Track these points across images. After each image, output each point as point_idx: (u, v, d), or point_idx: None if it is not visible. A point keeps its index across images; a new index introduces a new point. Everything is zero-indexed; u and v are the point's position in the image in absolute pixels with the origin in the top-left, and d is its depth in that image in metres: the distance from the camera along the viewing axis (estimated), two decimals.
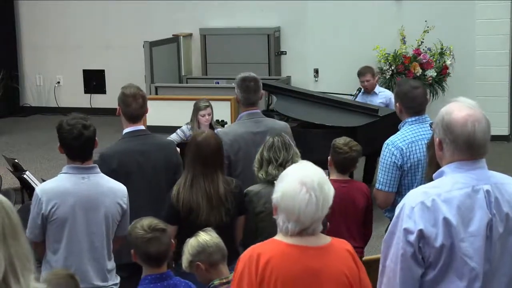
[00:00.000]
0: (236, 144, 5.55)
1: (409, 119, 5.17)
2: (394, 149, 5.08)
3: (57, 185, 4.58)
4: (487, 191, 3.09)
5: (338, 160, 5.33)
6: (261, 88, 5.78)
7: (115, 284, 4.67)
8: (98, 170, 4.65)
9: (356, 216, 5.32)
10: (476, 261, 3.04)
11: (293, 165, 3.26)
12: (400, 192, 5.10)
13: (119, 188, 4.68)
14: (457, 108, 3.12)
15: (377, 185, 5.17)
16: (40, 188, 4.64)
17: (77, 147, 4.52)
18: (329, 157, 5.37)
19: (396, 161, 5.06)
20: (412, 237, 3.03)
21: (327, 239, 3.22)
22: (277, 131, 5.34)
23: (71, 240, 4.54)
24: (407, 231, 3.04)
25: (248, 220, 4.95)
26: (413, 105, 5.15)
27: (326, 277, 3.14)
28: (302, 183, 3.09)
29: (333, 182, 5.20)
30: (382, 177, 5.12)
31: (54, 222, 4.52)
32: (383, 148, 5.15)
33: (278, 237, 3.17)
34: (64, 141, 4.54)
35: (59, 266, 4.49)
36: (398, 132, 5.19)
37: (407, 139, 5.10)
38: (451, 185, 3.08)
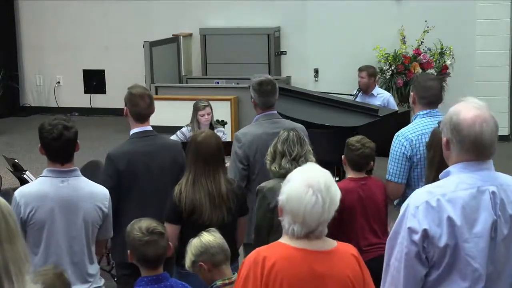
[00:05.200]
0: (254, 145, 5.50)
1: (421, 112, 5.23)
2: (404, 140, 5.12)
3: (35, 188, 4.54)
4: (493, 193, 3.09)
5: (352, 158, 5.31)
6: (278, 90, 5.75)
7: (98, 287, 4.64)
8: (79, 173, 4.59)
9: (378, 213, 5.34)
10: (480, 262, 3.05)
11: (300, 167, 3.23)
12: (410, 185, 5.16)
13: (100, 192, 4.62)
14: (465, 108, 3.12)
15: (387, 176, 5.21)
16: (19, 191, 4.58)
17: (57, 148, 4.47)
18: (343, 156, 5.38)
19: (405, 152, 5.11)
20: (416, 237, 3.04)
21: (333, 244, 3.21)
22: None
23: (49, 244, 4.48)
24: (411, 230, 3.05)
25: (260, 217, 4.88)
26: (427, 95, 5.20)
27: (331, 281, 3.13)
28: (308, 185, 3.06)
29: (351, 181, 5.31)
30: (392, 168, 5.17)
31: (33, 226, 4.47)
32: (393, 140, 5.20)
33: (284, 240, 3.15)
34: (44, 141, 4.50)
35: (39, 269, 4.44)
36: (409, 124, 5.27)
37: (417, 131, 5.16)
38: (456, 185, 3.09)
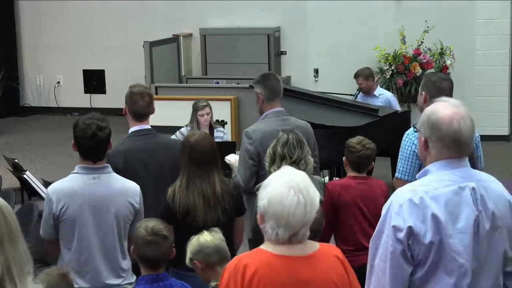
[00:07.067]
0: (265, 142, 5.48)
1: None
2: (414, 138, 5.11)
3: (67, 185, 4.60)
4: (473, 189, 3.13)
5: (353, 159, 5.34)
6: (281, 83, 5.77)
7: (130, 283, 4.66)
8: (110, 169, 4.66)
9: (377, 212, 5.33)
10: (465, 257, 3.07)
11: (276, 172, 3.21)
12: None
13: (131, 187, 4.69)
14: (442, 107, 3.16)
15: (396, 174, 5.20)
16: (51, 188, 4.66)
17: (89, 147, 4.55)
18: (344, 158, 5.39)
19: (416, 150, 5.10)
20: (401, 235, 3.05)
21: (314, 246, 3.15)
22: (303, 130, 5.33)
23: (81, 240, 4.56)
24: (396, 229, 3.06)
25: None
26: (438, 95, 5.18)
27: (315, 287, 3.09)
28: (289, 186, 3.03)
29: (351, 179, 5.31)
30: (402, 166, 5.15)
31: (65, 222, 4.55)
32: (403, 138, 5.19)
33: (265, 246, 3.11)
34: (77, 139, 4.57)
35: (73, 265, 4.53)
36: None
37: None
38: (437, 182, 3.12)
